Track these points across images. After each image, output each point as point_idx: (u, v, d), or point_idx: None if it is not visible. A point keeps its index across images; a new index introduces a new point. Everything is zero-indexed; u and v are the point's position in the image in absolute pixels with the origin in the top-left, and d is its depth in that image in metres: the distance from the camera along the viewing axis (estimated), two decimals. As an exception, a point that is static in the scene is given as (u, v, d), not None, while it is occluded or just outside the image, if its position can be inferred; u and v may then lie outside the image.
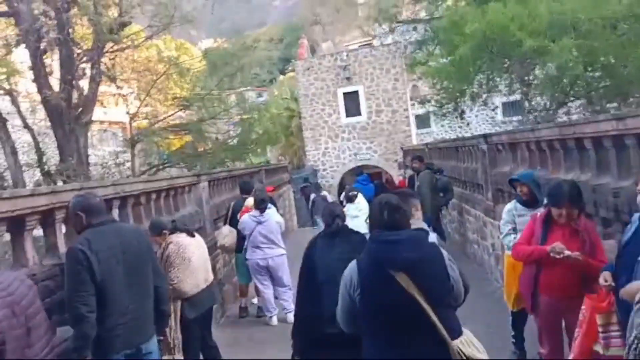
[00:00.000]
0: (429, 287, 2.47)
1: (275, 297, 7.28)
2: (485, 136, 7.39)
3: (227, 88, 18.81)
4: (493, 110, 22.28)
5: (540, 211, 3.91)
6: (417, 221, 3.34)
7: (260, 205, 7.05)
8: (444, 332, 2.43)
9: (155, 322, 3.73)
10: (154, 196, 5.65)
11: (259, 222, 7.01)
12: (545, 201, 3.79)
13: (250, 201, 7.69)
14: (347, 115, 23.92)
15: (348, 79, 23.65)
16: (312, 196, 16.27)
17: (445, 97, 16.76)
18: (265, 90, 48.00)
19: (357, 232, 3.79)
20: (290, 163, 29.94)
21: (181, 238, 4.37)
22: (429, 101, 16.96)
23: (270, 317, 7.19)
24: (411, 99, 25.29)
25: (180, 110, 15.19)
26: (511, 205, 4.52)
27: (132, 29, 16.60)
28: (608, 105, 8.78)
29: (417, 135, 25.95)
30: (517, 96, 21.90)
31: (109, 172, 13.61)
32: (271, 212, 7.23)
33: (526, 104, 13.69)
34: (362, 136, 23.91)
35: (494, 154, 7.34)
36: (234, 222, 7.62)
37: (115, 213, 4.68)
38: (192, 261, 4.34)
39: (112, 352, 3.38)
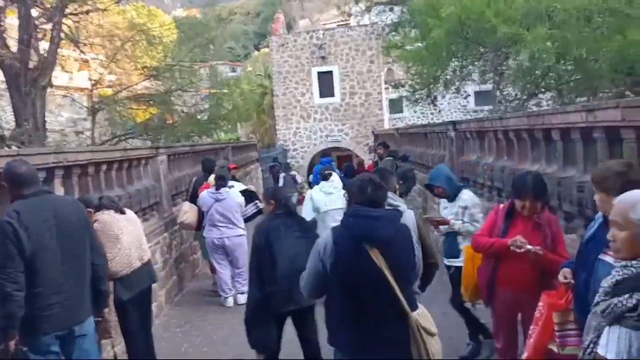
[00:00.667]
0: (398, 264, 2.65)
1: (232, 277, 7.10)
2: (453, 123, 7.26)
3: (199, 60, 18.23)
4: (465, 98, 22.27)
5: (500, 203, 3.78)
6: (398, 199, 3.56)
7: (218, 182, 6.84)
8: (405, 304, 2.61)
9: (92, 302, 3.48)
10: (104, 167, 5.32)
11: (217, 200, 6.82)
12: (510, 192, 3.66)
13: (211, 178, 7.48)
14: (321, 96, 23.60)
15: (323, 58, 23.27)
16: (282, 175, 16.04)
17: (418, 82, 16.62)
18: (239, 65, 47.14)
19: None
20: (261, 141, 29.54)
21: (106, 215, 4.07)
22: (402, 86, 16.80)
23: (225, 298, 7.01)
24: (385, 83, 25.11)
25: (147, 79, 14.59)
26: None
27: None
28: (578, 99, 8.76)
29: (389, 119, 25.85)
30: (489, 85, 22.01)
31: (67, 140, 13.03)
32: (232, 190, 7.02)
33: (497, 93, 13.66)
34: (334, 118, 23.66)
35: (462, 142, 7.23)
36: (195, 199, 7.41)
37: (58, 183, 4.37)
38: (122, 239, 4.05)
39: (42, 333, 3.14)
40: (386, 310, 2.65)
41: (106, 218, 4.08)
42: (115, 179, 5.77)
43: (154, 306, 6.11)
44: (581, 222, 3.88)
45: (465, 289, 4.02)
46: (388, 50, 16.42)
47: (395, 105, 26.46)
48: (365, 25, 23.86)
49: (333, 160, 14.93)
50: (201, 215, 7.12)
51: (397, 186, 3.85)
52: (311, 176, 14.42)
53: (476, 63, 12.46)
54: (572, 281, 2.87)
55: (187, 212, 7.48)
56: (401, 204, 3.51)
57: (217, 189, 6.82)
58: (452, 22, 7.56)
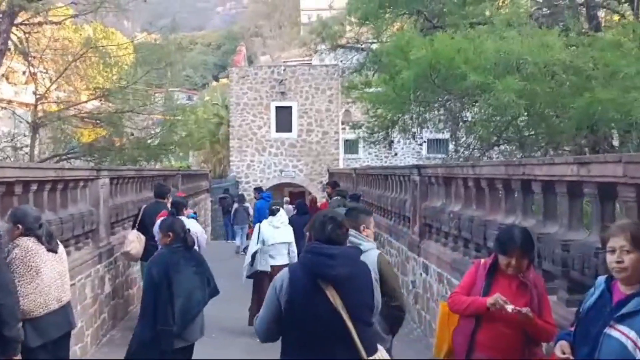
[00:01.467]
0: (354, 303, 2.56)
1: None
2: (418, 167, 6.99)
3: (154, 85, 17.54)
4: (420, 145, 22.51)
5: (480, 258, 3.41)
6: (367, 238, 3.52)
7: (173, 209, 6.29)
8: (361, 347, 2.52)
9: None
10: (34, 187, 4.62)
11: None
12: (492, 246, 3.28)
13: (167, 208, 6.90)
14: (277, 130, 23.29)
15: (283, 93, 23.08)
16: (234, 206, 15.34)
17: (377, 124, 16.54)
18: (196, 94, 46.46)
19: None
20: (212, 171, 28.73)
21: (31, 243, 3.40)
22: (360, 127, 16.67)
23: None
24: (342, 123, 25.12)
25: (97, 99, 13.78)
26: None
27: (57, 5, 15.10)
28: (538, 152, 8.75)
29: (344, 159, 25.76)
30: (444, 134, 22.38)
31: (4, 157, 11.97)
32: (191, 222, 6.35)
33: (452, 144, 13.71)
34: (290, 153, 23.32)
35: (426, 187, 6.95)
36: (143, 228, 6.79)
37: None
38: (42, 273, 3.38)
39: None
40: (341, 352, 2.55)
41: (30, 245, 3.40)
42: (47, 201, 5.05)
43: (77, 348, 5.35)
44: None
45: (438, 350, 3.56)
46: (348, 91, 16.32)
47: (351, 146, 26.46)
48: (327, 66, 23.95)
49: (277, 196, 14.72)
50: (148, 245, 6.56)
51: (369, 223, 3.70)
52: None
53: (436, 112, 12.43)
54: (572, 358, 2.48)
55: (133, 242, 6.83)
56: (364, 242, 3.42)
57: (175, 215, 6.22)
58: (422, 66, 7.40)
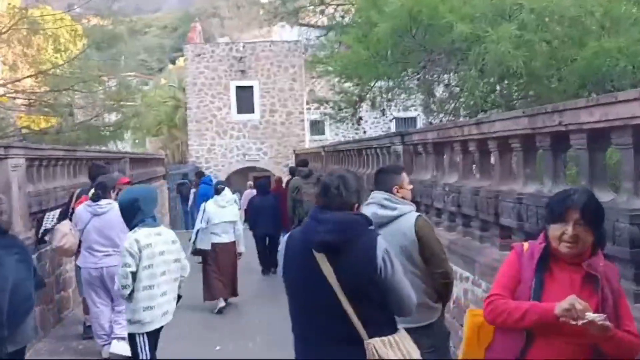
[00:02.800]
0: (349, 275, 2.23)
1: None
2: (401, 134, 5.90)
3: (107, 70, 15.81)
4: (390, 121, 21.56)
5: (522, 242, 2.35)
6: (402, 200, 2.96)
7: (97, 192, 5.16)
8: (359, 325, 2.20)
9: None
10: None
11: (95, 214, 5.08)
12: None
13: (91, 191, 5.60)
14: (239, 112, 21.87)
15: (243, 72, 21.63)
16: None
17: (344, 100, 15.43)
18: (152, 79, 44.24)
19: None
20: (171, 158, 27.09)
21: None
22: (327, 102, 15.53)
23: (103, 345, 5.19)
24: (307, 103, 23.91)
25: (32, 77, 12.10)
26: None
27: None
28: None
29: (310, 141, 24.55)
30: (413, 112, 21.50)
31: None
32: (115, 204, 5.20)
33: (421, 119, 12.79)
34: (252, 135, 21.97)
35: (411, 158, 5.89)
36: None
37: None
38: None
39: None
40: (336, 328, 2.26)
41: None
42: None
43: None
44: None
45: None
46: (312, 65, 15.10)
47: (317, 127, 25.27)
48: (289, 42, 22.62)
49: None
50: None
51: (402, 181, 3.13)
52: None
53: (408, 80, 11.39)
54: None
55: (66, 235, 5.54)
56: (399, 205, 2.90)
57: (96, 200, 5.10)
58: (400, 18, 6.28)
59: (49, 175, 6.58)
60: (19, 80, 12.09)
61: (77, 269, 5.77)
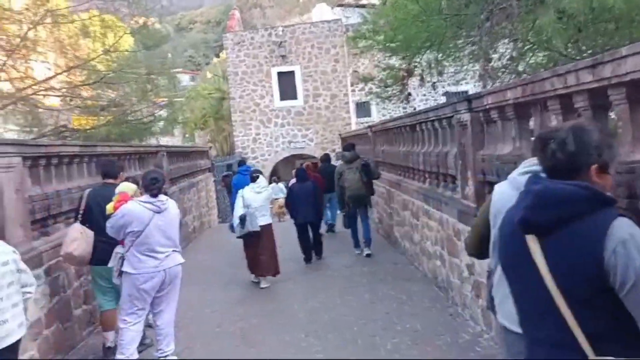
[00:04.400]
0: (561, 268, 1.56)
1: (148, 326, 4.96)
2: (469, 99, 4.60)
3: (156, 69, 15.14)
4: (442, 95, 19.97)
5: None
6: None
7: (153, 186, 4.46)
8: (579, 335, 1.51)
9: None
10: None
11: (159, 211, 4.45)
12: None
13: (126, 186, 4.81)
14: (282, 98, 20.87)
15: (283, 57, 20.57)
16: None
17: (391, 76, 14.05)
18: (199, 74, 44.10)
19: None
20: (220, 150, 26.55)
21: None
22: (371, 79, 14.20)
23: None
24: (351, 85, 22.59)
25: (63, 72, 11.50)
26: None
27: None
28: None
29: (357, 124, 23.28)
30: (465, 85, 19.77)
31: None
32: (170, 200, 4.70)
33: (479, 83, 11.30)
34: (297, 122, 20.94)
35: (482, 127, 4.59)
36: (90, 220, 4.87)
37: None
38: None
39: None
40: (548, 331, 1.62)
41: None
42: None
43: None
44: None
45: None
46: (355, 41, 13.78)
47: (363, 108, 23.93)
48: (329, 21, 21.32)
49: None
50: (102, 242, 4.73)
51: None
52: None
53: (470, 40, 10.01)
54: None
55: (75, 240, 4.82)
56: None
57: (155, 195, 4.46)
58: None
59: (61, 175, 5.72)
60: (51, 78, 11.48)
61: (103, 275, 4.94)
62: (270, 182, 18.09)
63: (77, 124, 13.05)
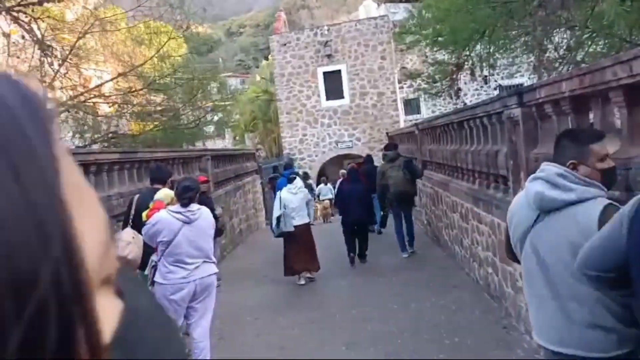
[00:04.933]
0: None
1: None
2: (519, 92, 4.16)
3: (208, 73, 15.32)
4: (495, 89, 19.12)
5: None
6: (585, 180, 2.01)
7: (185, 195, 4.33)
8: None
9: None
10: None
11: (188, 221, 4.32)
12: None
13: (164, 193, 4.78)
14: (328, 98, 20.62)
15: (329, 56, 20.31)
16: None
17: (439, 71, 13.51)
18: (249, 77, 44.65)
19: None
20: (268, 152, 26.70)
21: None
22: (419, 75, 13.70)
23: None
24: (399, 82, 22.04)
25: (113, 79, 11.77)
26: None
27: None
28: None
29: (405, 122, 22.72)
30: (520, 78, 18.81)
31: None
32: (204, 209, 4.56)
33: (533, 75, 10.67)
34: (344, 122, 20.63)
35: (535, 124, 4.14)
36: (137, 224, 4.81)
37: None
38: None
39: None
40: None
41: None
42: None
43: None
44: None
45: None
46: (401, 36, 13.33)
47: (412, 106, 23.30)
48: (375, 18, 20.87)
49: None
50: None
51: None
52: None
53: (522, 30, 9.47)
54: None
55: (129, 244, 4.68)
56: (580, 187, 1.99)
57: (185, 204, 4.32)
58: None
59: (101, 183, 5.72)
60: (102, 85, 11.77)
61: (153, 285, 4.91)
62: (318, 183, 17.93)
63: (136, 130, 13.34)
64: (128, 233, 4.79)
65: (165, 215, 4.34)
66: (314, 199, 16.56)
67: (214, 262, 4.59)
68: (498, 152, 5.02)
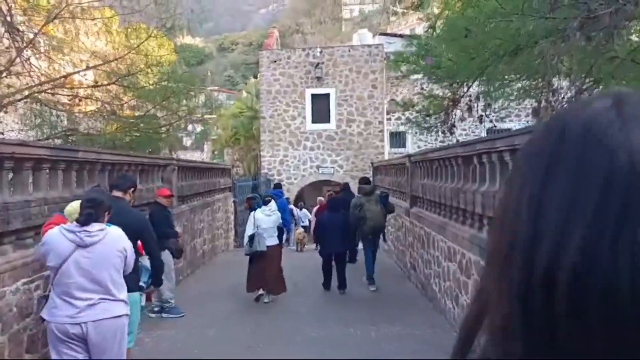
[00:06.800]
0: None
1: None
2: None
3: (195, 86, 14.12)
4: (488, 130, 18.34)
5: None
6: None
7: (85, 211, 3.39)
8: None
9: None
10: None
11: (82, 244, 3.33)
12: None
13: (71, 206, 3.80)
14: (314, 121, 19.57)
15: (319, 79, 19.34)
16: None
17: (434, 104, 12.59)
18: (235, 93, 43.61)
19: None
20: (247, 169, 25.40)
21: None
22: (413, 106, 12.74)
23: None
24: (387, 113, 21.16)
25: (86, 70, 10.41)
26: None
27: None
28: None
29: (389, 154, 21.79)
30: (509, 123, 18.10)
31: None
32: (112, 229, 3.48)
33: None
34: (328, 147, 19.56)
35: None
36: None
37: None
38: None
39: None
40: None
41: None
42: None
43: None
44: None
45: None
46: (397, 64, 12.41)
47: (398, 139, 22.41)
48: (370, 46, 20.10)
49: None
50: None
51: None
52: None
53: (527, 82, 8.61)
54: None
55: None
56: None
57: (82, 222, 3.35)
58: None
59: (20, 184, 4.41)
60: (69, 74, 10.42)
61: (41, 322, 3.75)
62: (296, 207, 16.69)
63: (107, 130, 11.93)
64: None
65: (56, 233, 3.31)
66: (295, 224, 15.32)
67: (120, 301, 3.40)
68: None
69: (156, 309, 6.60)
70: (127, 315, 3.54)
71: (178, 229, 7.41)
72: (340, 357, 5.01)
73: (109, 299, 3.37)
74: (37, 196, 4.53)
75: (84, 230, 3.30)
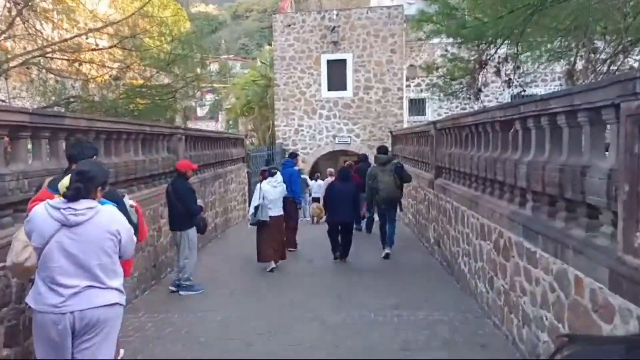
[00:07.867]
0: None
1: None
2: (632, 80, 2.32)
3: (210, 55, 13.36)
4: (514, 96, 17.36)
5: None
6: None
7: (74, 185, 2.86)
8: None
9: None
10: None
11: (67, 224, 2.83)
12: None
13: (66, 180, 3.09)
14: (330, 88, 18.74)
15: (335, 43, 18.40)
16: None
17: (460, 67, 11.71)
18: (250, 62, 42.61)
19: None
20: (261, 139, 24.75)
21: None
22: (437, 69, 11.86)
23: None
24: (407, 80, 20.17)
25: (87, 33, 9.75)
26: None
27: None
28: None
29: (408, 122, 20.90)
30: (535, 88, 17.06)
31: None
32: (104, 208, 2.94)
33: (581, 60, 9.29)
34: (344, 115, 18.77)
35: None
36: None
37: None
38: None
39: None
40: None
41: None
42: None
43: None
44: None
45: None
46: (418, 24, 11.46)
47: (417, 106, 21.46)
48: (389, 7, 18.98)
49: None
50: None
51: None
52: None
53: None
54: None
55: (27, 246, 3.14)
56: None
57: (72, 199, 2.84)
58: None
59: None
60: (66, 40, 9.76)
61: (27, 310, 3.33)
62: (311, 179, 16.07)
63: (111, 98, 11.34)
64: (22, 233, 3.19)
65: (41, 211, 2.81)
66: (309, 195, 14.76)
67: (112, 289, 2.84)
68: (589, 168, 3.17)
69: (177, 282, 6.22)
70: (120, 305, 3.01)
71: (200, 202, 6.89)
72: (360, 350, 4.44)
73: (97, 287, 2.86)
74: (14, 169, 3.95)
75: (70, 208, 2.79)
